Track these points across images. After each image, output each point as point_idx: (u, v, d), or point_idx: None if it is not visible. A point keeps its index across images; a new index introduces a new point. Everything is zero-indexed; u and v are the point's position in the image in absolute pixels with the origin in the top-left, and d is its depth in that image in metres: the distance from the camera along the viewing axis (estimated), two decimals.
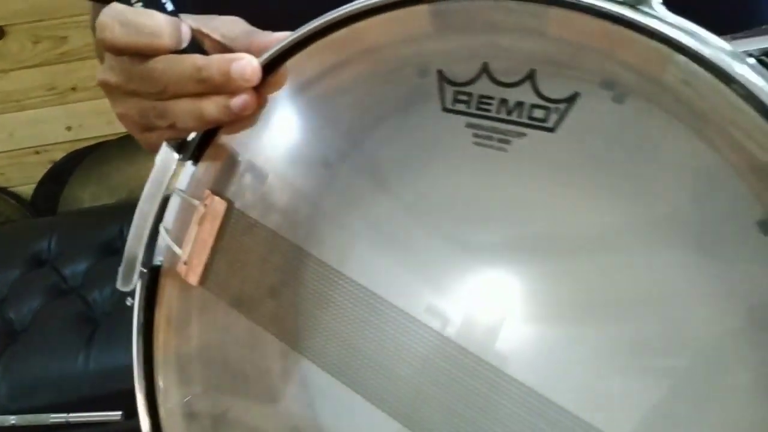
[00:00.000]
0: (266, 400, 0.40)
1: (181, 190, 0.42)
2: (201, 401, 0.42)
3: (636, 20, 0.27)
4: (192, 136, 0.41)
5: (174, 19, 0.37)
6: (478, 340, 0.32)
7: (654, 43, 0.27)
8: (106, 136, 1.79)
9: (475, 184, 0.33)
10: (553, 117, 0.30)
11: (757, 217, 0.26)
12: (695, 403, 0.28)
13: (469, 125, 0.32)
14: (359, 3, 0.33)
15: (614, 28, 0.27)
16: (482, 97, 0.31)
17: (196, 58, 0.37)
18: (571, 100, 0.29)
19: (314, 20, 0.35)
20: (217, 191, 0.40)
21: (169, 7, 0.38)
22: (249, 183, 0.40)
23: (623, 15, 0.27)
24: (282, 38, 0.37)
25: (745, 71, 0.26)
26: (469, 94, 0.32)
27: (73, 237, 1.42)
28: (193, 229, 0.41)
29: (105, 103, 0.42)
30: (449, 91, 0.32)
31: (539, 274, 0.31)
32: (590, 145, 0.30)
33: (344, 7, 0.34)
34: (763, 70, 0.27)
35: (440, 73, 0.32)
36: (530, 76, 0.30)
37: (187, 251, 0.41)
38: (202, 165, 0.42)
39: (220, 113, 0.37)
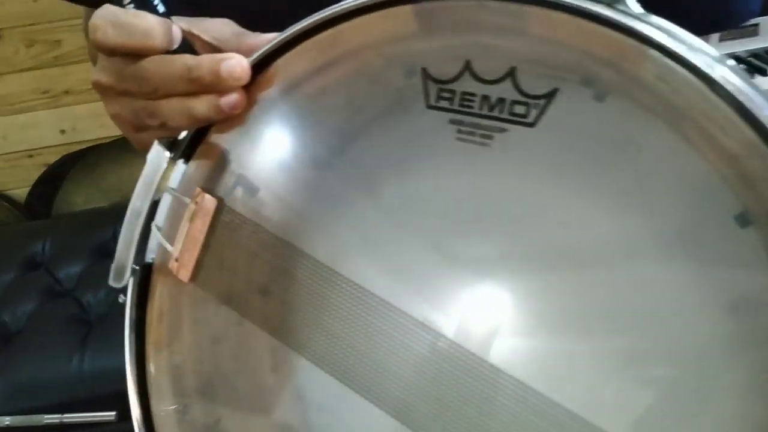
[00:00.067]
0: (260, 409, 0.40)
1: (173, 189, 0.43)
2: (193, 403, 0.43)
3: (612, 18, 0.27)
4: (183, 134, 0.42)
5: (165, 20, 0.38)
6: (473, 348, 0.32)
7: (630, 41, 0.27)
8: (99, 139, 1.80)
9: (460, 184, 0.33)
10: (533, 113, 0.30)
11: (735, 211, 0.27)
12: (689, 406, 0.28)
13: (453, 121, 0.33)
14: (346, 3, 0.34)
15: (591, 26, 0.28)
16: (465, 94, 0.32)
17: (187, 58, 0.38)
18: (550, 96, 0.30)
19: (302, 21, 0.36)
20: (208, 189, 0.41)
21: (161, 9, 0.38)
22: (238, 185, 0.40)
23: (600, 13, 0.28)
24: (271, 39, 0.38)
25: (722, 70, 0.27)
26: (452, 92, 0.32)
27: (67, 240, 1.43)
28: (184, 227, 0.41)
29: (99, 106, 0.42)
30: (433, 88, 0.33)
31: (529, 287, 0.31)
32: (571, 141, 0.30)
33: (331, 7, 0.34)
34: (740, 70, 0.28)
35: (424, 71, 0.33)
36: (511, 74, 0.31)
37: (179, 248, 0.41)
38: (193, 163, 0.42)
39: (211, 112, 0.38)
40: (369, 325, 0.35)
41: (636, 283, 0.29)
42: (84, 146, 1.81)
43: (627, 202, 0.29)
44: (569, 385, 0.30)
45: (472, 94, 0.32)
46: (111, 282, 0.42)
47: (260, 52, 0.38)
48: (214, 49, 0.41)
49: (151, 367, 0.44)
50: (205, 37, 0.42)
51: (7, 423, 1.01)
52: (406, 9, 0.33)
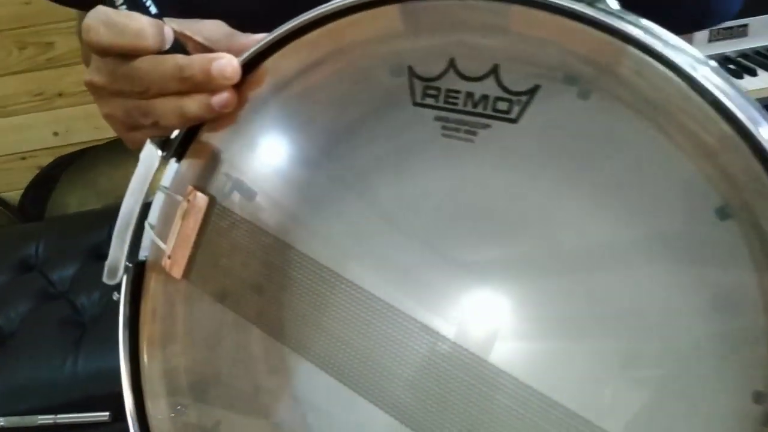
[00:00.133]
0: (258, 411, 0.40)
1: (165, 187, 0.43)
2: (187, 401, 0.43)
3: (591, 15, 0.28)
4: (175, 134, 0.43)
5: (157, 21, 0.38)
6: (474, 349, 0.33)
7: (608, 38, 0.28)
8: (93, 141, 1.79)
9: (449, 181, 0.34)
10: (516, 109, 0.31)
11: (715, 204, 0.28)
12: (683, 404, 0.28)
13: (438, 118, 0.33)
14: (333, 4, 0.35)
15: (572, 24, 0.29)
16: (450, 91, 0.33)
17: (179, 58, 0.38)
18: (531, 92, 0.31)
19: (291, 21, 0.36)
20: (200, 187, 0.41)
21: (153, 10, 0.39)
22: (234, 190, 0.41)
23: (580, 11, 0.28)
24: (261, 39, 0.38)
25: (700, 67, 0.27)
26: (438, 89, 0.33)
27: (61, 242, 1.43)
28: (176, 224, 0.42)
29: (92, 108, 0.43)
30: (419, 86, 0.34)
31: (523, 290, 0.32)
32: (555, 138, 0.31)
33: (319, 8, 0.35)
34: (719, 68, 0.28)
35: (410, 69, 0.34)
36: (494, 71, 0.31)
37: (171, 246, 0.42)
38: (186, 162, 0.43)
39: (202, 110, 0.39)
40: (369, 327, 0.35)
41: (623, 284, 0.30)
42: (77, 148, 1.81)
43: (612, 200, 0.30)
44: (568, 385, 0.30)
45: (457, 91, 0.33)
46: (105, 279, 0.43)
47: (250, 51, 0.38)
48: (206, 49, 0.42)
49: (145, 364, 0.44)
50: (197, 37, 0.42)
51: (1, 424, 1.01)
52: (392, 8, 0.33)
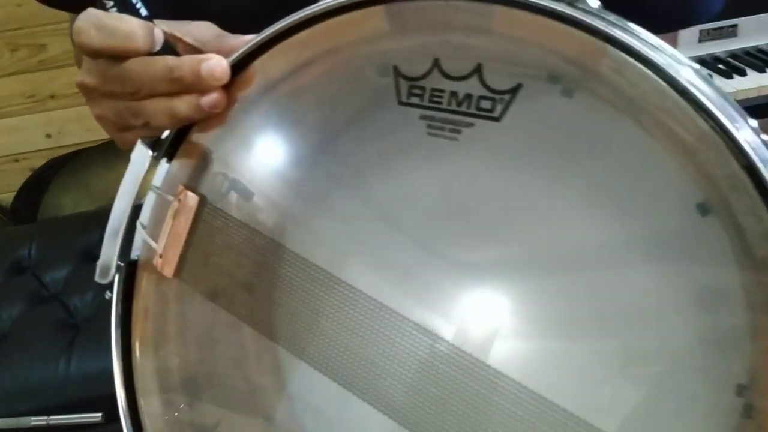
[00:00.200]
0: (254, 411, 0.41)
1: (157, 187, 0.44)
2: (180, 400, 0.43)
3: (572, 15, 0.29)
4: (166, 134, 0.43)
5: (147, 23, 0.39)
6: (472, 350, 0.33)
7: (588, 37, 0.29)
8: (85, 143, 1.79)
9: (435, 179, 0.34)
10: (499, 107, 0.32)
11: (696, 200, 0.28)
12: (678, 401, 0.29)
13: (423, 117, 0.34)
14: (321, 5, 0.35)
15: (553, 23, 0.29)
16: (434, 90, 0.33)
17: (169, 59, 0.39)
18: (514, 91, 0.31)
19: (279, 22, 0.37)
20: (191, 186, 0.42)
21: (143, 12, 0.39)
22: (220, 182, 0.41)
23: (560, 11, 0.29)
24: (250, 40, 0.39)
25: (679, 66, 0.28)
26: (423, 88, 0.34)
27: (54, 244, 1.42)
28: (167, 224, 0.42)
29: (84, 110, 0.43)
30: (404, 85, 0.34)
31: (516, 291, 0.32)
32: (539, 136, 0.32)
33: (307, 9, 0.36)
34: (700, 67, 0.29)
35: (396, 68, 0.34)
36: (478, 70, 0.32)
37: (162, 245, 0.42)
38: (176, 162, 0.43)
39: (192, 111, 0.39)
40: (366, 328, 0.36)
41: (617, 282, 0.30)
42: (70, 150, 1.80)
43: (601, 198, 0.31)
44: (565, 384, 0.31)
45: (441, 91, 0.33)
46: (97, 278, 0.43)
47: (239, 52, 0.39)
48: (196, 50, 0.42)
49: (138, 362, 0.44)
50: (187, 39, 0.43)
51: None
52: (378, 9, 0.34)
